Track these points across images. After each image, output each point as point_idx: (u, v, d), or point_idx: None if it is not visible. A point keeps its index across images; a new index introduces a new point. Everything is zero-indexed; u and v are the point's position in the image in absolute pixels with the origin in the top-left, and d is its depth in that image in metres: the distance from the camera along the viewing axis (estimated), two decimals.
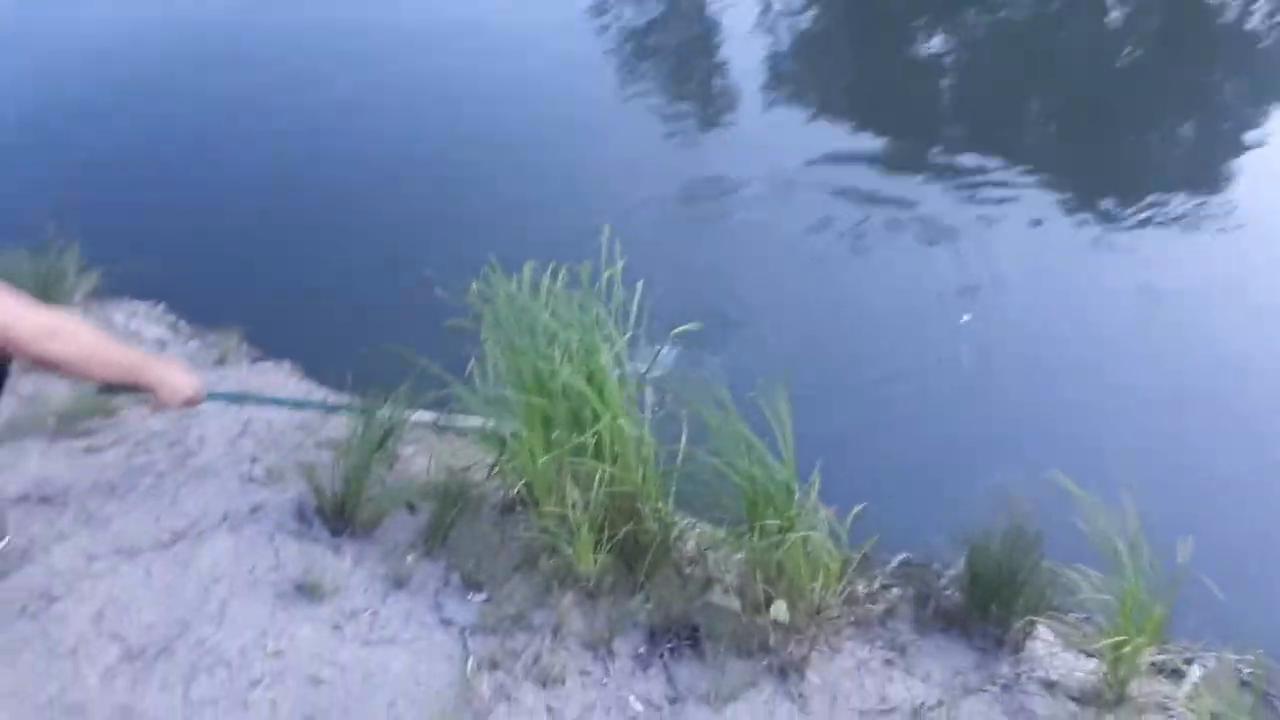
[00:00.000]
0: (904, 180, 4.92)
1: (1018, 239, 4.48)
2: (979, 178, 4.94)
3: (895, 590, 2.51)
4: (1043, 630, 2.28)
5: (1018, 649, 2.20)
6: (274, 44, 6.17)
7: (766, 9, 7.06)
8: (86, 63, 5.96)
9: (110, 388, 2.08)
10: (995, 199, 4.78)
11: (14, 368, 1.77)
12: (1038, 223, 4.61)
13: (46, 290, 3.21)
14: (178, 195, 4.58)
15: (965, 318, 4.02)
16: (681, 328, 2.39)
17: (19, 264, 3.29)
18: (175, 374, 1.98)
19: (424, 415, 2.68)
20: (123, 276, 3.55)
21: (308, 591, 2.09)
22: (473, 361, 2.77)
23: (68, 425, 2.62)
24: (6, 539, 2.05)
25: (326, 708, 1.83)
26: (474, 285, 2.44)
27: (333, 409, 2.69)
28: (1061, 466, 2.26)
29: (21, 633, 1.91)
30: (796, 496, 2.12)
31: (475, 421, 2.64)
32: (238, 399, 2.71)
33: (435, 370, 2.49)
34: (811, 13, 7.11)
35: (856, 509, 2.38)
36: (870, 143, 5.32)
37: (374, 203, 4.63)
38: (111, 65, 5.91)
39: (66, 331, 1.73)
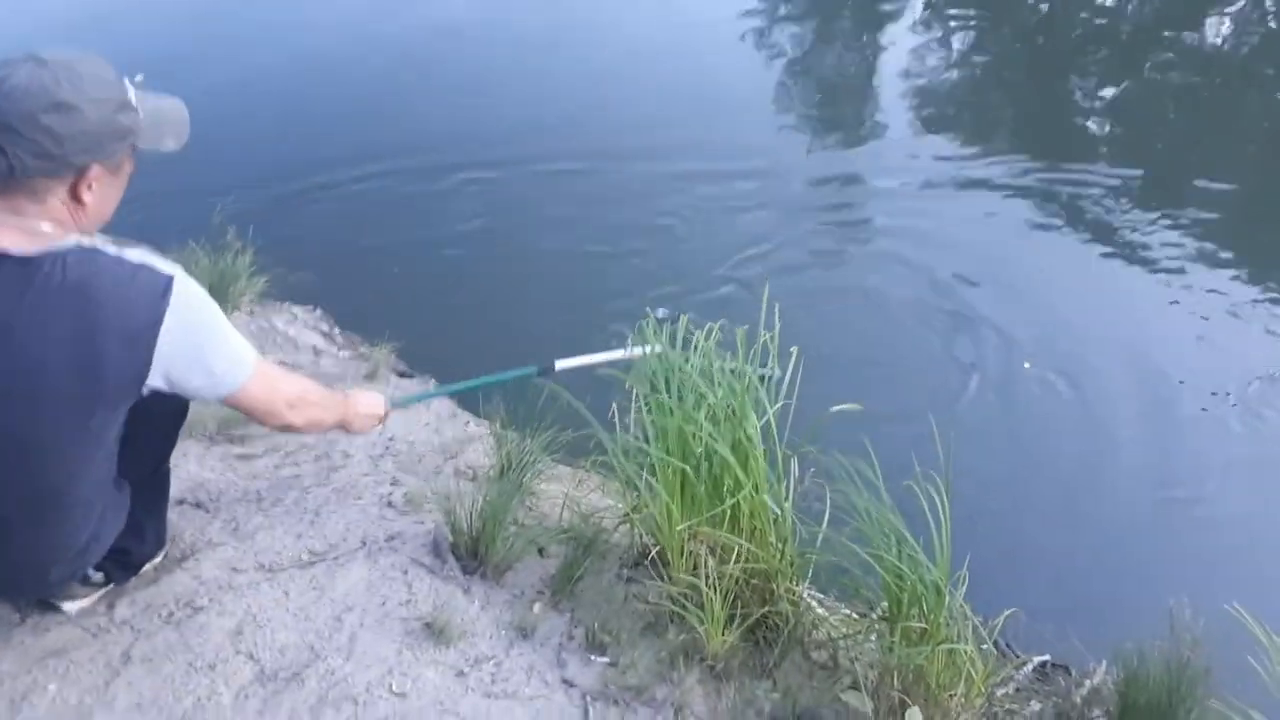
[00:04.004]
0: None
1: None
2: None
3: (1034, 704, 2.37)
4: None
5: None
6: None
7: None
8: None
9: None
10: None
11: None
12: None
13: (220, 290, 3.37)
14: (348, 211, 4.66)
15: (1026, 365, 3.74)
16: (839, 407, 2.28)
17: (199, 260, 3.47)
18: (365, 402, 2.12)
19: (575, 361, 2.69)
20: (286, 282, 3.69)
21: (435, 632, 2.08)
22: (613, 408, 2.74)
23: (224, 430, 2.72)
24: (164, 550, 2.12)
25: None
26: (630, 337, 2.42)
27: (504, 379, 2.70)
28: (1247, 599, 2.08)
29: (166, 640, 1.96)
30: (946, 601, 2.00)
31: (621, 355, 2.65)
32: (418, 399, 2.94)
33: (580, 412, 2.47)
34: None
35: (1006, 614, 2.24)
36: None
37: (521, 227, 4.64)
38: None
39: (303, 402, 1.86)
